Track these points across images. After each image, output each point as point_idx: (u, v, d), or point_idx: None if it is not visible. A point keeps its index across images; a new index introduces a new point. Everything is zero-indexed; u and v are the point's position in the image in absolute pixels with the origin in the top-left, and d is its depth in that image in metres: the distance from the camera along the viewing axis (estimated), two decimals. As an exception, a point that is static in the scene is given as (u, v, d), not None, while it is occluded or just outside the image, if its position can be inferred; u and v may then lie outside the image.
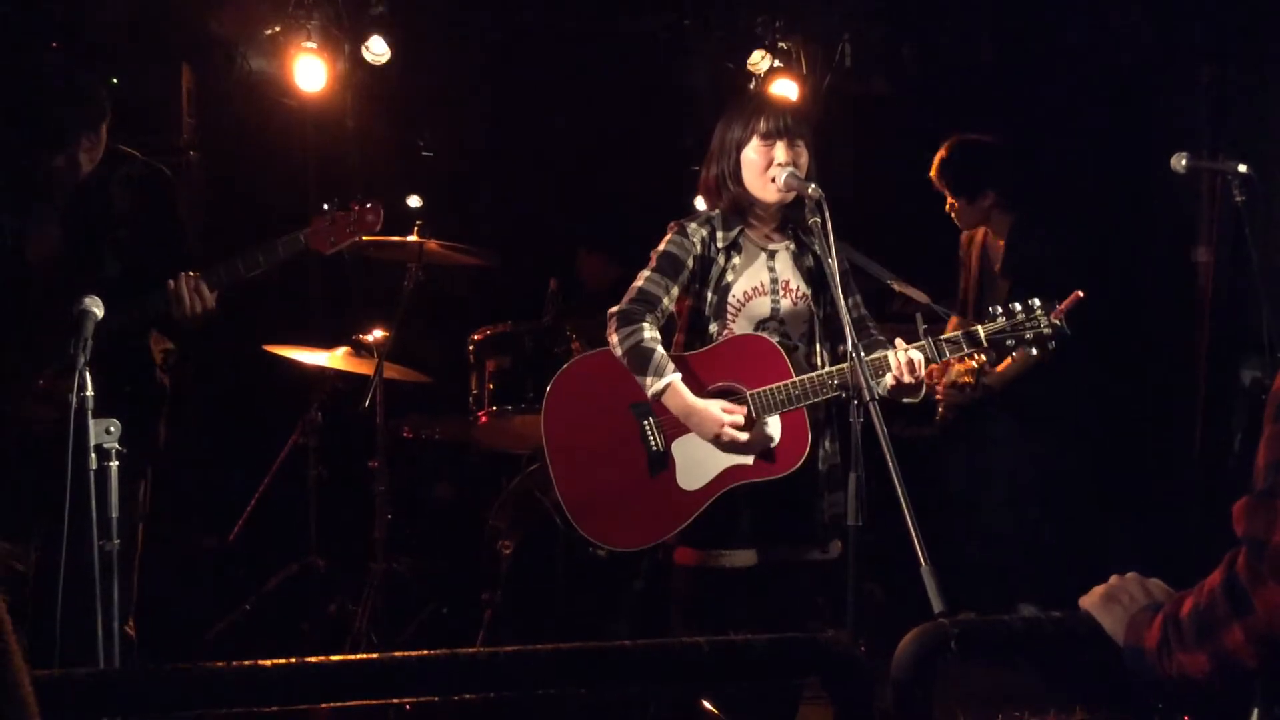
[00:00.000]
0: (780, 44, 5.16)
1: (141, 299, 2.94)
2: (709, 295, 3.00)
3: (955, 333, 2.89)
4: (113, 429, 2.44)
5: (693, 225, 3.02)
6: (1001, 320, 2.86)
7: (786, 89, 5.10)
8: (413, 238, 4.28)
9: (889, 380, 2.85)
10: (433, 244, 4.33)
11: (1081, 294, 2.92)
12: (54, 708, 1.27)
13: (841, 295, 2.73)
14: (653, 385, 2.86)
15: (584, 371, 3.09)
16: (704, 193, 3.13)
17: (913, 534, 2.31)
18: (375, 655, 1.62)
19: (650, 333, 2.91)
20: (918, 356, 2.85)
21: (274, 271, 3.11)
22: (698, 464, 2.92)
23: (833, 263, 2.75)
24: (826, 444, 3.01)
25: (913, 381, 2.85)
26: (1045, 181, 5.10)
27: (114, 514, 2.45)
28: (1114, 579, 1.66)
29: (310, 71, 4.77)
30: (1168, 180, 3.66)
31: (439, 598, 4.60)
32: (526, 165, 5.80)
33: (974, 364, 3.34)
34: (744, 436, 2.86)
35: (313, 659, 1.58)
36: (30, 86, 2.93)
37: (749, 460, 2.90)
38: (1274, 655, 1.40)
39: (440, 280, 4.54)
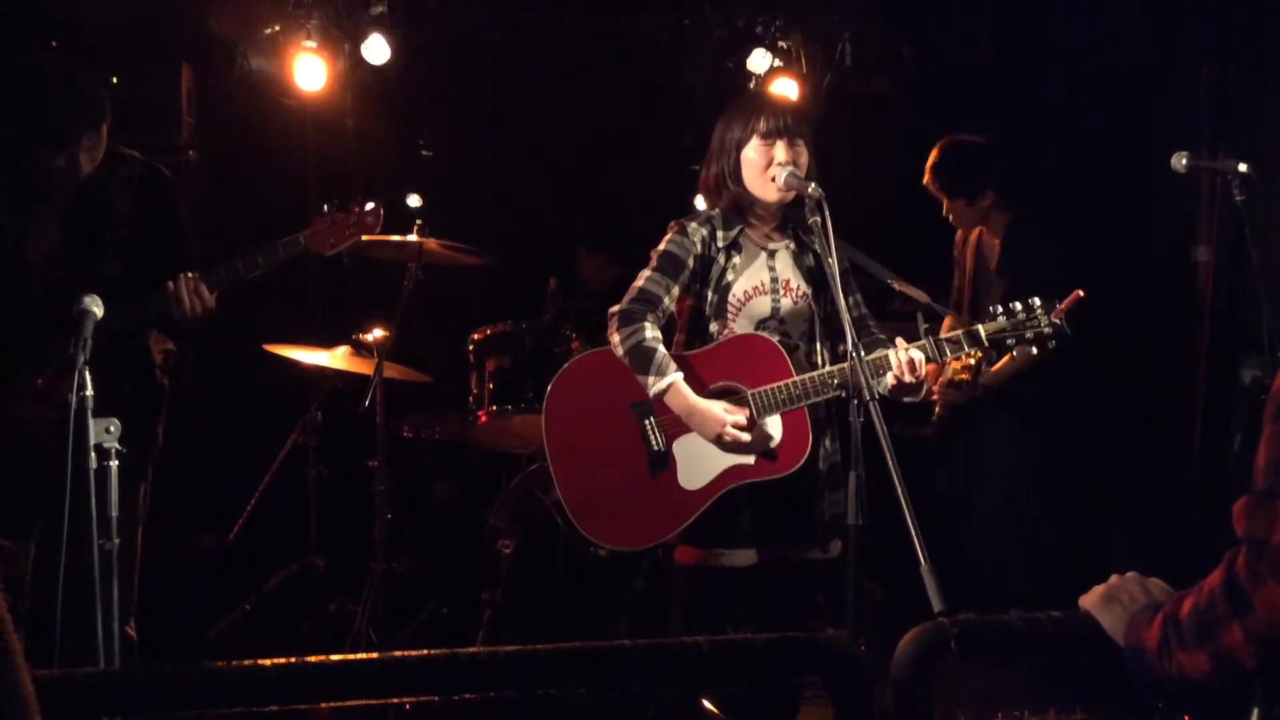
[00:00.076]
0: (780, 43, 5.16)
1: (141, 299, 2.94)
2: (709, 295, 3.00)
3: (956, 332, 2.89)
4: (112, 428, 2.44)
5: (693, 225, 3.02)
6: (1002, 319, 2.86)
7: (786, 88, 5.10)
8: (413, 237, 4.28)
9: (890, 379, 2.85)
10: (433, 244, 4.33)
11: (1082, 293, 2.92)
12: (54, 707, 1.27)
13: (841, 294, 2.73)
14: (655, 385, 2.86)
15: (585, 371, 3.09)
16: (704, 192, 3.13)
17: (913, 533, 2.31)
18: (375, 655, 1.62)
19: (652, 332, 2.91)
20: (918, 356, 2.85)
21: (274, 272, 3.11)
22: (699, 463, 2.92)
23: (833, 262, 2.75)
24: (827, 443, 3.01)
25: (913, 381, 2.85)
26: (1045, 181, 5.10)
27: (114, 513, 2.45)
28: (1114, 578, 1.66)
29: (310, 71, 4.76)
30: (1168, 180, 3.65)
31: (439, 597, 4.60)
32: (526, 165, 5.79)
33: (970, 361, 3.34)
34: (746, 437, 2.86)
35: (313, 659, 1.58)
36: (31, 86, 2.93)
37: (750, 460, 2.90)
38: (1274, 655, 1.40)
39: (440, 280, 4.54)
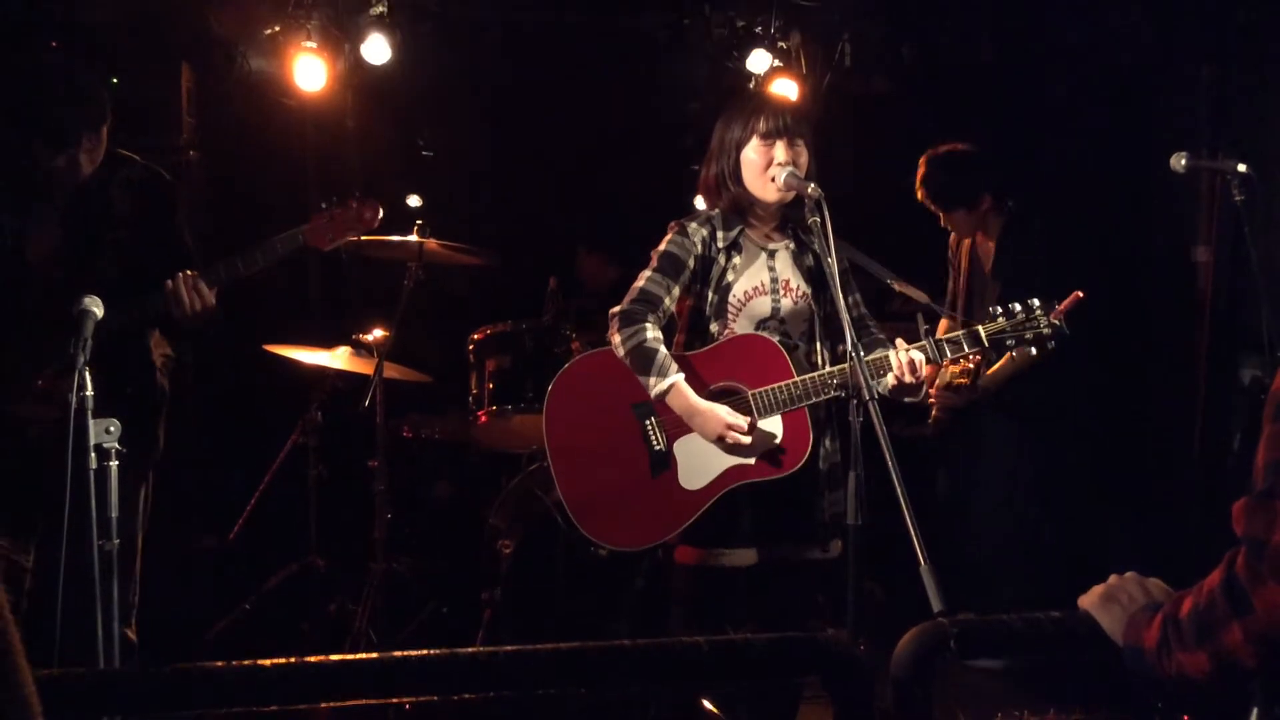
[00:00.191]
0: (780, 43, 5.16)
1: (141, 299, 2.94)
2: (710, 295, 3.00)
3: (956, 333, 2.90)
4: (112, 429, 2.44)
5: (693, 225, 3.02)
6: (1002, 320, 2.86)
7: (786, 88, 5.09)
8: (412, 237, 4.28)
9: (890, 380, 2.85)
10: (432, 243, 4.33)
11: (1081, 294, 2.92)
12: (54, 707, 1.27)
13: (841, 294, 2.73)
14: (656, 385, 2.87)
15: (585, 371, 3.09)
16: (704, 192, 3.13)
17: (912, 533, 2.31)
18: (375, 655, 1.62)
19: (653, 333, 2.91)
20: (919, 357, 2.85)
21: (273, 270, 3.11)
22: (700, 464, 2.92)
23: (832, 262, 2.75)
24: (827, 443, 3.01)
25: (914, 381, 2.86)
26: (1045, 181, 5.10)
27: (114, 514, 2.45)
28: (1113, 578, 1.66)
29: (310, 71, 4.76)
30: (1167, 180, 3.65)
31: (439, 597, 4.61)
32: (526, 165, 5.80)
33: (969, 365, 3.34)
34: (747, 440, 2.86)
35: (312, 658, 1.58)
36: (31, 86, 2.93)
37: (751, 460, 2.91)
38: (1273, 655, 1.40)
39: (440, 280, 4.54)
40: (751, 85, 5.09)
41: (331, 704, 1.61)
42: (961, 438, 4.43)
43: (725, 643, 1.74)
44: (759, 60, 5.09)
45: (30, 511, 2.93)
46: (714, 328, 3.00)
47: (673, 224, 3.05)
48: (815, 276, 3.03)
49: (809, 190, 2.83)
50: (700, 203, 3.22)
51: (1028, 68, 5.42)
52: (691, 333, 3.05)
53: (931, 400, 4.22)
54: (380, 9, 4.76)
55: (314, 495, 4.60)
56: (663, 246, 3.02)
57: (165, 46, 4.87)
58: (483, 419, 4.41)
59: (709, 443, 2.90)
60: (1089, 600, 1.66)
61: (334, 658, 1.59)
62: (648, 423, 2.95)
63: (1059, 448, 4.42)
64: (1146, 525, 4.68)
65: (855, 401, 2.62)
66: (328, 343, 4.45)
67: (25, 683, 1.21)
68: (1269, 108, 4.45)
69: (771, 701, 3.12)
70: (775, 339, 2.95)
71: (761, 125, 2.95)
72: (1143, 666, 1.53)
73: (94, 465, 2.43)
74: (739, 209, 3.03)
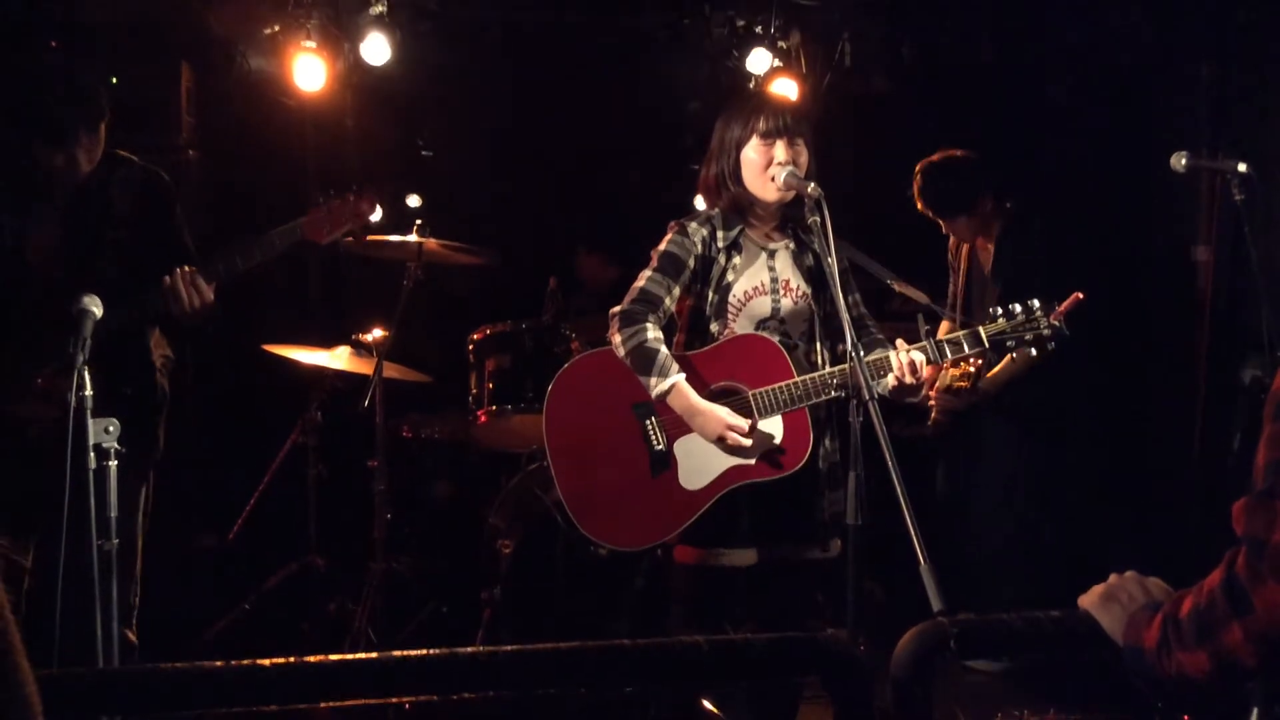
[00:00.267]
0: (780, 43, 5.16)
1: (140, 297, 2.94)
2: (710, 295, 3.00)
3: (957, 333, 2.90)
4: (111, 428, 2.44)
5: (693, 225, 3.02)
6: (1002, 321, 2.86)
7: (786, 88, 5.09)
8: (412, 237, 4.28)
9: (890, 380, 2.85)
10: (432, 243, 4.33)
11: (1081, 295, 2.92)
12: (54, 707, 1.27)
13: (841, 294, 2.73)
14: (657, 386, 2.86)
15: (585, 371, 3.09)
16: (703, 192, 3.13)
17: (912, 533, 2.31)
18: (375, 654, 1.62)
19: (654, 333, 2.91)
20: (919, 358, 2.85)
21: (271, 265, 3.10)
22: (700, 464, 2.92)
23: (832, 261, 2.75)
24: (826, 442, 3.02)
25: (914, 382, 2.86)
26: (1045, 181, 5.10)
27: (113, 513, 2.45)
28: (1113, 578, 1.66)
29: (310, 71, 4.76)
30: (1167, 180, 3.65)
31: (438, 597, 4.61)
32: (526, 165, 5.79)
33: (969, 369, 3.34)
34: (748, 442, 2.86)
35: (312, 658, 1.58)
36: (30, 85, 2.93)
37: (751, 460, 2.90)
38: (1273, 654, 1.40)
39: (440, 279, 4.54)
40: (751, 85, 5.09)
41: (331, 704, 1.61)
42: (961, 438, 4.43)
43: (725, 642, 1.74)
44: (759, 60, 5.09)
45: (30, 511, 2.93)
46: (714, 327, 3.00)
47: (673, 224, 3.05)
48: (815, 276, 3.03)
49: (809, 190, 2.83)
50: (700, 202, 3.22)
51: (1028, 68, 5.42)
52: (691, 332, 3.05)
53: (932, 403, 4.22)
54: (380, 9, 4.75)
55: (314, 495, 4.60)
56: (663, 246, 3.02)
57: (165, 46, 4.87)
58: (482, 419, 4.41)
59: (709, 443, 2.90)
60: (1089, 600, 1.66)
61: (333, 657, 1.59)
62: (648, 423, 2.95)
63: (1059, 448, 4.42)
64: (1146, 525, 4.68)
65: (855, 401, 2.62)
66: (327, 342, 4.45)
67: (26, 682, 1.21)
68: (1269, 107, 4.45)
69: (771, 701, 3.12)
70: (775, 339, 2.95)
71: (761, 125, 2.95)
72: (1143, 666, 1.53)
73: (93, 465, 2.43)
74: (739, 209, 3.03)
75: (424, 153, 5.66)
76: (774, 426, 2.91)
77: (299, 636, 4.43)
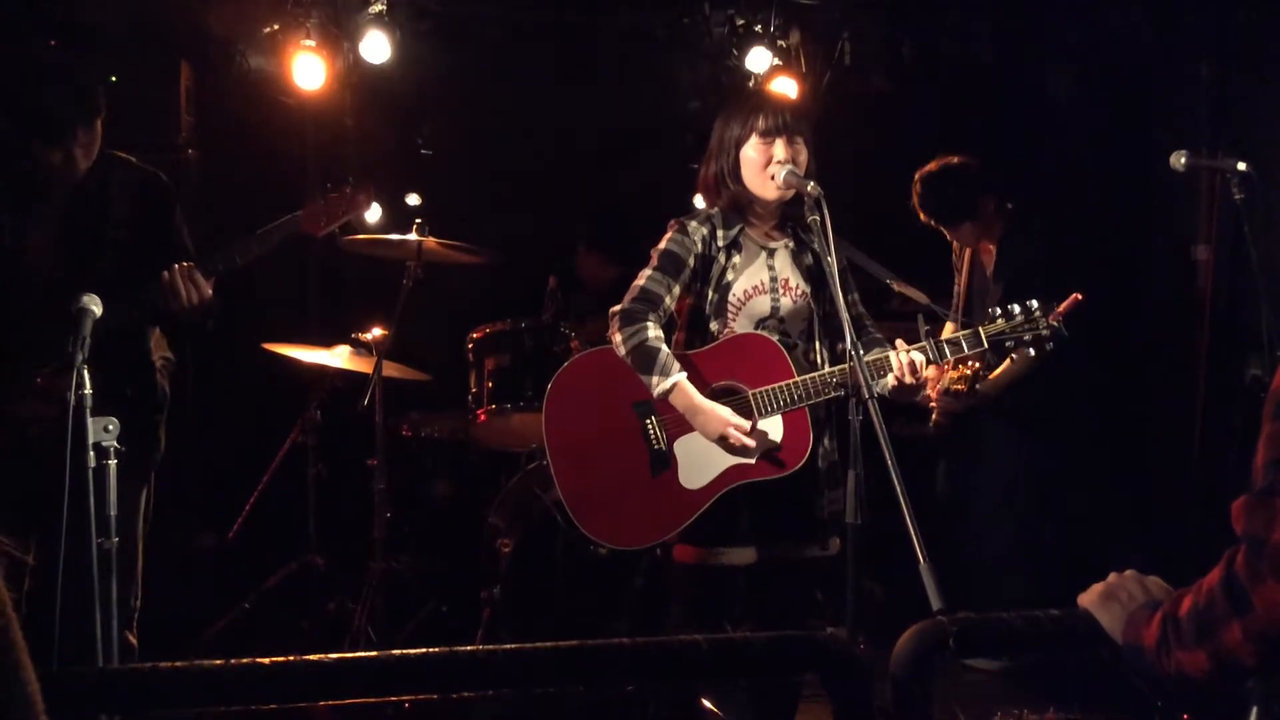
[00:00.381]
0: (780, 42, 5.16)
1: (138, 295, 2.94)
2: (710, 294, 3.00)
3: (956, 334, 2.90)
4: (111, 427, 2.44)
5: (693, 224, 3.02)
6: (1001, 322, 2.86)
7: (786, 87, 5.09)
8: (412, 236, 4.28)
9: (890, 381, 2.85)
10: (431, 242, 4.32)
11: (1080, 296, 2.92)
12: (54, 705, 1.27)
13: (840, 293, 2.73)
14: (659, 384, 2.86)
15: (585, 370, 3.09)
16: (703, 190, 3.13)
17: (912, 532, 2.31)
18: (374, 653, 1.62)
19: (654, 332, 2.91)
20: (919, 358, 2.85)
21: (271, 264, 3.10)
22: (700, 463, 2.92)
23: (832, 260, 2.76)
24: (826, 442, 3.02)
25: (914, 383, 2.86)
26: (1045, 181, 5.10)
27: (112, 511, 2.45)
28: (1112, 576, 1.66)
29: (309, 70, 4.76)
30: (1167, 179, 3.65)
31: (438, 596, 4.60)
32: (526, 164, 5.79)
33: (968, 371, 3.35)
34: (751, 442, 2.86)
35: (311, 657, 1.58)
36: (26, 80, 2.92)
37: (751, 460, 2.90)
38: (1273, 653, 1.40)
39: (439, 278, 4.54)
40: (751, 84, 5.09)
41: (331, 702, 1.61)
42: (962, 439, 4.43)
43: (724, 641, 1.74)
44: (759, 59, 5.09)
45: (31, 510, 2.93)
46: (714, 326, 3.00)
47: (673, 222, 3.05)
48: (814, 275, 3.03)
49: (808, 188, 2.83)
50: (700, 201, 3.21)
51: (1028, 67, 5.42)
52: (691, 331, 3.05)
53: (933, 404, 4.22)
54: (379, 7, 4.75)
55: (313, 494, 4.60)
56: (663, 245, 3.02)
57: (164, 45, 4.87)
58: (482, 418, 4.41)
59: (710, 442, 2.90)
60: (1088, 599, 1.66)
61: (333, 656, 1.59)
62: (648, 421, 2.95)
63: (1059, 448, 4.42)
64: (1146, 525, 4.68)
65: (855, 400, 2.62)
66: (327, 341, 4.45)
67: (29, 680, 1.21)
68: (1269, 106, 4.45)
69: (771, 700, 3.12)
70: (775, 338, 2.95)
71: (761, 123, 2.95)
72: (1142, 665, 1.53)
73: (93, 464, 2.42)
74: (738, 207, 3.03)
75: (424, 152, 5.65)
76: (774, 426, 2.91)
77: (299, 636, 4.43)
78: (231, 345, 4.15)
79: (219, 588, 4.68)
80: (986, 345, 2.86)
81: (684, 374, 2.87)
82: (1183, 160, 3.47)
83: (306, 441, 4.63)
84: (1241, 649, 1.40)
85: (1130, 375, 4.96)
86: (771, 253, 3.04)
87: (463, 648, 1.61)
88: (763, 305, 3.00)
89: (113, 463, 2.45)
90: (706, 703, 3.28)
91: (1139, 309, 5.00)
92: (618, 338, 2.92)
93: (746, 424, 2.86)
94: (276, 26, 4.82)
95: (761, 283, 3.01)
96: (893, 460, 2.39)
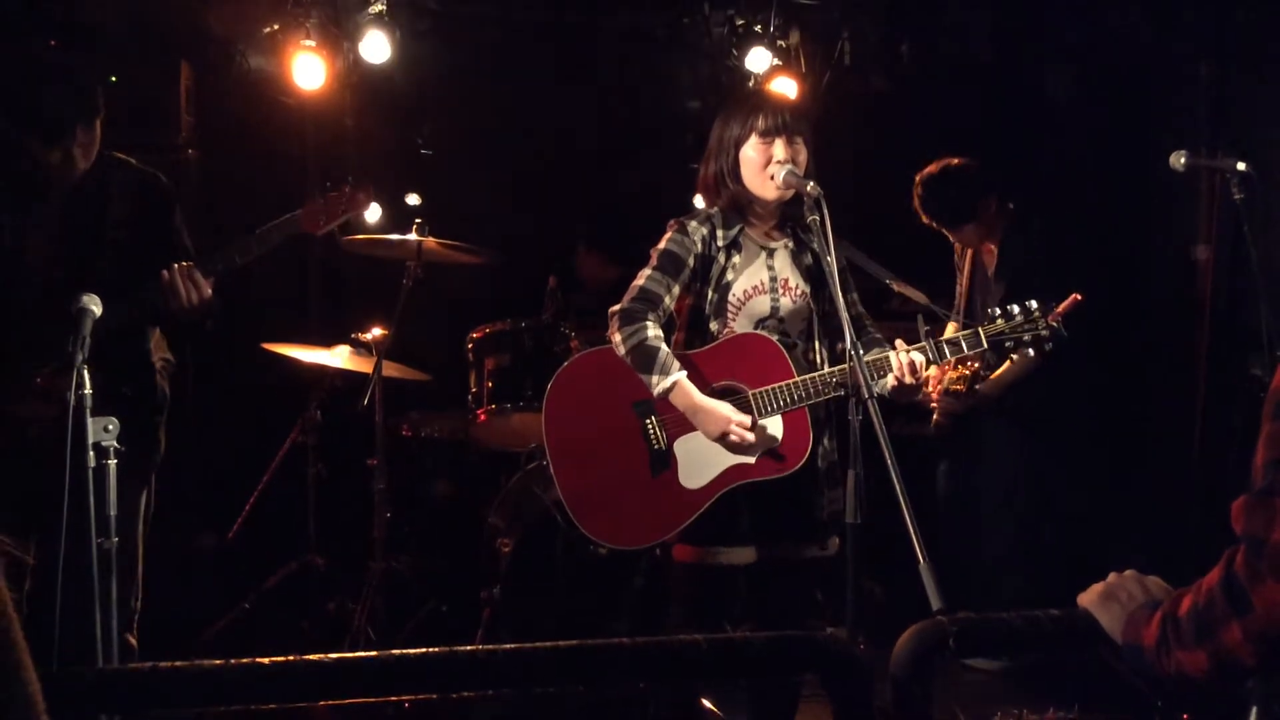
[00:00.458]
0: (779, 42, 5.16)
1: (138, 294, 2.94)
2: (710, 294, 3.00)
3: (956, 334, 2.90)
4: (111, 427, 2.44)
5: (693, 224, 3.01)
6: (1000, 322, 2.86)
7: (786, 87, 5.09)
8: (411, 236, 4.28)
9: (890, 381, 2.85)
10: (431, 242, 4.32)
11: (1079, 297, 2.92)
12: (53, 705, 1.27)
13: (840, 293, 2.73)
14: (659, 384, 2.86)
15: (584, 369, 3.09)
16: (702, 190, 3.13)
17: (912, 532, 2.31)
18: (374, 653, 1.62)
19: (654, 331, 2.91)
20: (919, 358, 2.85)
21: (271, 264, 3.10)
22: (700, 462, 2.92)
23: (832, 260, 2.75)
24: (825, 441, 3.02)
25: (914, 383, 2.86)
26: (1045, 181, 5.10)
27: (112, 511, 2.45)
28: (1112, 576, 1.66)
29: (309, 69, 4.76)
30: (1167, 179, 3.65)
31: (438, 596, 4.60)
32: (526, 164, 5.79)
33: (967, 371, 3.35)
34: (751, 437, 2.86)
35: (311, 657, 1.58)
36: (25, 78, 2.92)
37: (751, 459, 2.90)
38: (1272, 653, 1.40)
39: (439, 278, 4.54)
40: (751, 83, 5.09)
41: (330, 702, 1.61)
42: (962, 438, 4.43)
43: (724, 641, 1.75)
44: (758, 59, 5.09)
45: (31, 510, 2.93)
46: (714, 326, 3.00)
47: (672, 222, 3.05)
48: (813, 275, 3.03)
49: (808, 188, 2.83)
50: (699, 201, 3.21)
51: (1027, 67, 5.42)
52: (691, 331, 3.05)
53: (934, 405, 4.22)
54: (379, 7, 4.75)
55: (313, 494, 4.60)
56: (662, 245, 3.02)
57: (164, 45, 4.87)
58: (482, 417, 4.41)
59: (710, 442, 2.90)
60: (1088, 598, 1.66)
61: (333, 656, 1.59)
62: (648, 421, 2.95)
63: (1059, 448, 4.42)
64: (1146, 525, 4.68)
65: (854, 400, 2.62)
66: (327, 341, 4.45)
67: (30, 679, 1.21)
68: (1268, 106, 4.45)
69: (770, 700, 3.12)
70: (774, 338, 2.95)
71: (760, 123, 2.95)
72: (1142, 664, 1.53)
73: (92, 463, 2.42)
74: (738, 207, 3.03)
75: (423, 151, 5.66)
76: (774, 426, 2.91)
77: (299, 635, 4.43)
78: (231, 345, 4.15)
79: (219, 588, 4.67)
80: (986, 345, 2.86)
81: (684, 373, 2.87)
82: (1182, 160, 3.47)
83: (306, 441, 4.63)
84: (1241, 649, 1.40)
85: (1130, 375, 4.96)
86: (771, 253, 3.04)
87: (463, 648, 1.61)
88: (762, 305, 3.00)
89: (112, 462, 2.45)
90: (706, 703, 3.28)
91: (1139, 309, 5.00)
92: (617, 337, 2.92)
93: (747, 419, 2.86)
94: (276, 26, 4.82)
95: (761, 282, 3.01)
96: (892, 460, 2.39)
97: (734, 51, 5.20)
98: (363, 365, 4.28)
